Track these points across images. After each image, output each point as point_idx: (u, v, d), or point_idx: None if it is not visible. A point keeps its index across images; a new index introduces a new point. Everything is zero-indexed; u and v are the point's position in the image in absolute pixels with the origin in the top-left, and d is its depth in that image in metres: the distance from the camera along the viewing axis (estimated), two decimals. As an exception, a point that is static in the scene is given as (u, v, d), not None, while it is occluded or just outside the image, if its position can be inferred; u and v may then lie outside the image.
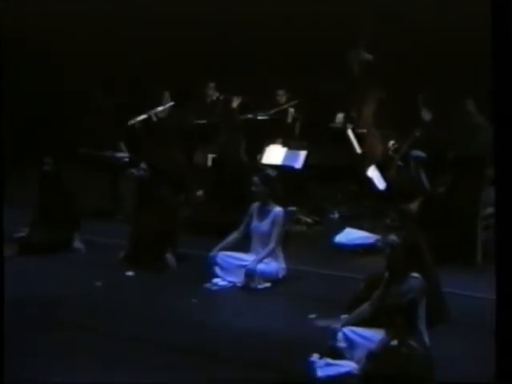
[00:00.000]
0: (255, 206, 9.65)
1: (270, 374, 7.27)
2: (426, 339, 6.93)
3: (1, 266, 6.19)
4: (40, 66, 14.59)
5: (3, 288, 6.18)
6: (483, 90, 10.87)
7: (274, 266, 9.49)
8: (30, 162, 11.57)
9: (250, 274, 9.34)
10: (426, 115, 11.42)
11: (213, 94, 13.35)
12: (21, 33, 14.36)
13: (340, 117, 12.87)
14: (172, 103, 13.14)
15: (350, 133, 12.49)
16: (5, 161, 8.92)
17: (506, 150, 5.53)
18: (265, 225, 9.51)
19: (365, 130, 12.66)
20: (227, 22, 13.74)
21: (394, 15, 12.81)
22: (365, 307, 7.61)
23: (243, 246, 9.67)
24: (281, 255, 9.54)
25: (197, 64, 13.63)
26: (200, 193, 12.29)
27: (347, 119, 12.82)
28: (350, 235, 10.74)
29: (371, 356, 6.30)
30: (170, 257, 10.04)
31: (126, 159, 12.34)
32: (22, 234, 10.58)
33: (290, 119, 13.18)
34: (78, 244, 10.75)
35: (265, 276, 9.42)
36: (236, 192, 11.04)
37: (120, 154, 12.47)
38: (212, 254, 9.55)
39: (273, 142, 12.52)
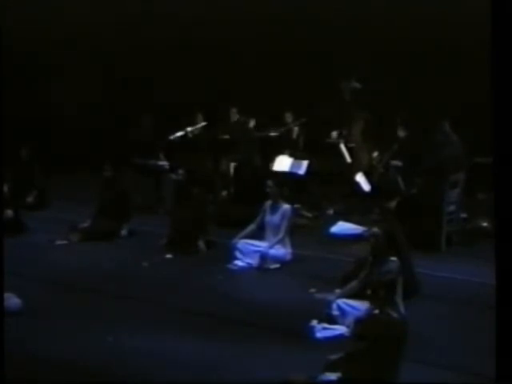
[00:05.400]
0: (268, 203, 9.63)
1: (277, 335, 7.29)
2: (402, 309, 6.93)
3: (0, 268, 5.73)
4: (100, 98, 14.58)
5: (2, 289, 5.91)
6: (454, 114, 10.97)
7: (283, 251, 9.48)
8: (93, 168, 11.58)
9: (264, 257, 9.33)
10: (402, 133, 11.42)
11: (235, 116, 13.35)
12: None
13: (334, 134, 12.87)
14: (204, 123, 13.19)
15: (342, 146, 12.45)
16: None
17: (506, 151, 5.07)
18: (276, 218, 9.48)
19: (354, 145, 12.61)
20: (250, 62, 13.79)
21: (380, 53, 12.83)
22: (354, 283, 7.64)
23: (258, 235, 9.64)
24: (288, 242, 9.52)
25: (223, 93, 13.64)
26: (224, 193, 12.26)
27: (340, 136, 12.81)
28: (343, 227, 10.67)
29: (358, 322, 6.29)
30: (201, 243, 10.03)
31: (167, 166, 12.35)
32: (86, 225, 10.58)
33: (295, 136, 13.16)
34: (124, 232, 10.71)
35: (275, 259, 9.40)
36: (252, 192, 11.02)
37: (161, 163, 12.48)
38: (234, 241, 9.52)
39: (281, 153, 12.49)
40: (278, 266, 9.37)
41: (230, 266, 9.39)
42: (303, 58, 13.54)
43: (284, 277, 9.12)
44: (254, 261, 9.40)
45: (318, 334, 7.22)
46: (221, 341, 7.08)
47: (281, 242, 9.44)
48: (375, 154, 11.94)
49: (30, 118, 13.85)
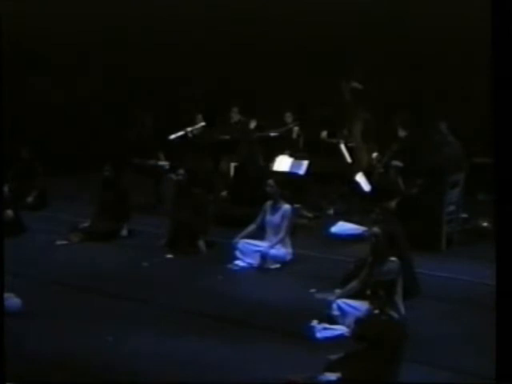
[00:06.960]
0: (268, 203, 9.62)
1: (277, 335, 7.29)
2: (402, 309, 6.93)
3: (0, 268, 5.87)
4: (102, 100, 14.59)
5: (3, 289, 5.99)
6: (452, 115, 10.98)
7: (283, 251, 9.47)
8: (93, 168, 11.58)
9: (264, 257, 9.33)
10: (402, 133, 11.42)
11: (235, 116, 13.34)
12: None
13: (324, 133, 12.88)
14: (204, 123, 13.20)
15: (342, 146, 12.45)
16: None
17: (506, 151, 5.12)
18: (276, 218, 9.48)
19: (354, 144, 12.62)
20: (249, 67, 13.80)
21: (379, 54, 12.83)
22: (354, 284, 7.64)
23: (259, 235, 9.64)
24: (288, 242, 9.51)
25: (223, 93, 13.65)
26: (224, 193, 12.24)
27: (330, 135, 12.82)
28: (343, 227, 10.66)
29: (358, 322, 6.30)
30: (201, 243, 10.03)
31: (167, 167, 12.35)
32: (86, 225, 10.58)
33: (295, 136, 13.16)
34: (124, 232, 10.71)
35: (275, 259, 9.40)
36: (252, 192, 11.02)
37: (161, 163, 12.48)
38: (234, 241, 9.53)
39: (281, 153, 12.49)
40: (278, 265, 9.37)
41: (230, 265, 9.39)
42: (303, 58, 13.54)
43: (284, 277, 9.12)
44: (254, 261, 9.40)
45: (318, 334, 7.22)
46: (221, 341, 7.08)
47: (281, 241, 9.44)
48: (375, 154, 11.94)
49: (31, 118, 13.84)
